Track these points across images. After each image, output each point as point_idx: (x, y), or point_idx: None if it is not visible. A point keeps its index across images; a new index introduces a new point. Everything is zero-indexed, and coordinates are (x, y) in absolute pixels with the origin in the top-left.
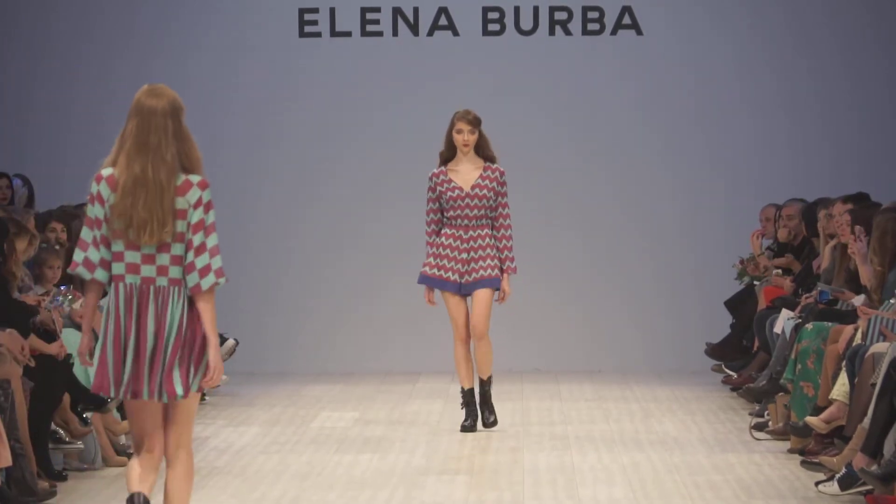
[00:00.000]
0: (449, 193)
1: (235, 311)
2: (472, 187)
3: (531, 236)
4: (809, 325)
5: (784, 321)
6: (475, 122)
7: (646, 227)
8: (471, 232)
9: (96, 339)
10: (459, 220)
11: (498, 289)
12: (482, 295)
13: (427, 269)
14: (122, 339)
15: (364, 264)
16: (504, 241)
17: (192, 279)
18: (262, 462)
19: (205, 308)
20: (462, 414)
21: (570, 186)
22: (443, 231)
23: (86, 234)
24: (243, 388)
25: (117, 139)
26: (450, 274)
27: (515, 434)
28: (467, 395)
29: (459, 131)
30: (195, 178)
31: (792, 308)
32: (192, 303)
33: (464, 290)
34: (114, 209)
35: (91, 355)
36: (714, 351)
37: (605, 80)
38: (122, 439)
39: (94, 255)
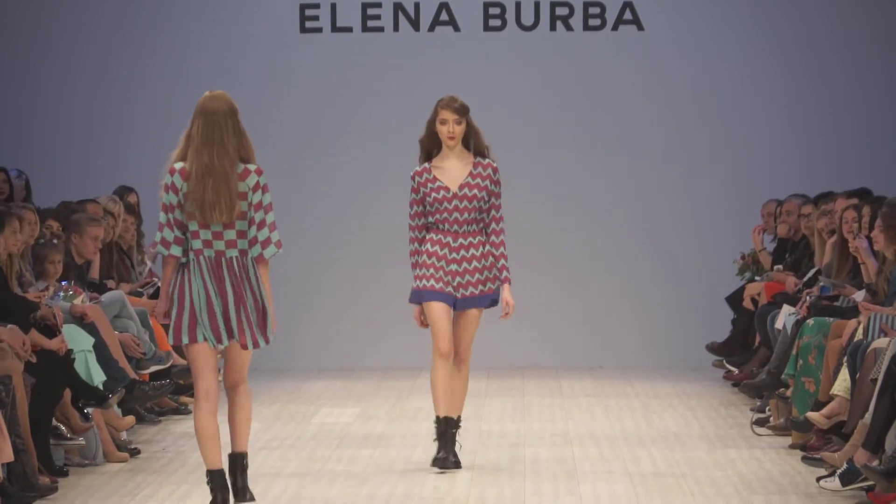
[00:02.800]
0: (434, 194)
1: None
2: (461, 187)
3: (532, 232)
4: (811, 321)
5: (785, 317)
6: (462, 111)
7: (646, 223)
8: (460, 239)
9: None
10: (446, 225)
11: (487, 306)
12: (471, 317)
13: (417, 282)
14: (199, 301)
15: (364, 260)
16: (498, 248)
17: (256, 250)
18: (263, 458)
19: (265, 272)
20: (434, 448)
21: (570, 182)
22: (427, 237)
23: (162, 217)
24: None
25: (183, 137)
26: (441, 285)
27: (516, 430)
28: (442, 425)
29: (444, 122)
30: (252, 166)
31: (793, 304)
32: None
33: (457, 306)
34: (187, 195)
35: (167, 316)
36: (717, 350)
37: (606, 75)
38: (124, 435)
39: (169, 234)
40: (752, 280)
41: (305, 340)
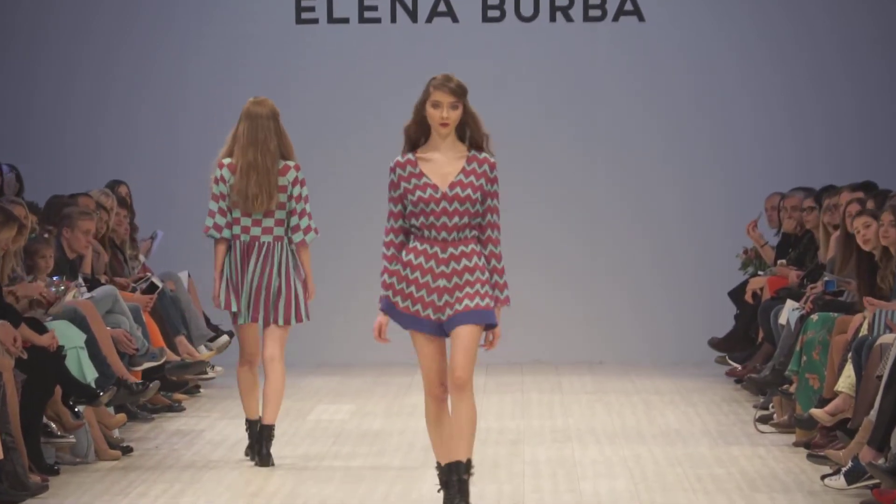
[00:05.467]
0: (419, 193)
1: None
2: (452, 186)
3: (530, 226)
4: (815, 316)
5: (789, 312)
6: (459, 92)
7: (647, 217)
8: (450, 249)
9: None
10: (433, 232)
11: (489, 324)
12: (467, 333)
13: (390, 295)
14: (239, 281)
15: (362, 255)
16: (493, 261)
17: (298, 236)
18: None
19: (305, 254)
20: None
21: (570, 176)
22: (411, 245)
23: (213, 205)
24: None
25: (230, 137)
26: (419, 307)
27: (516, 427)
28: (445, 473)
29: (437, 104)
30: (291, 163)
31: (797, 299)
32: (291, 253)
33: (445, 328)
34: (233, 187)
35: (219, 298)
36: (719, 344)
37: (606, 67)
38: (116, 433)
39: (221, 220)
40: (755, 275)
41: (302, 336)
